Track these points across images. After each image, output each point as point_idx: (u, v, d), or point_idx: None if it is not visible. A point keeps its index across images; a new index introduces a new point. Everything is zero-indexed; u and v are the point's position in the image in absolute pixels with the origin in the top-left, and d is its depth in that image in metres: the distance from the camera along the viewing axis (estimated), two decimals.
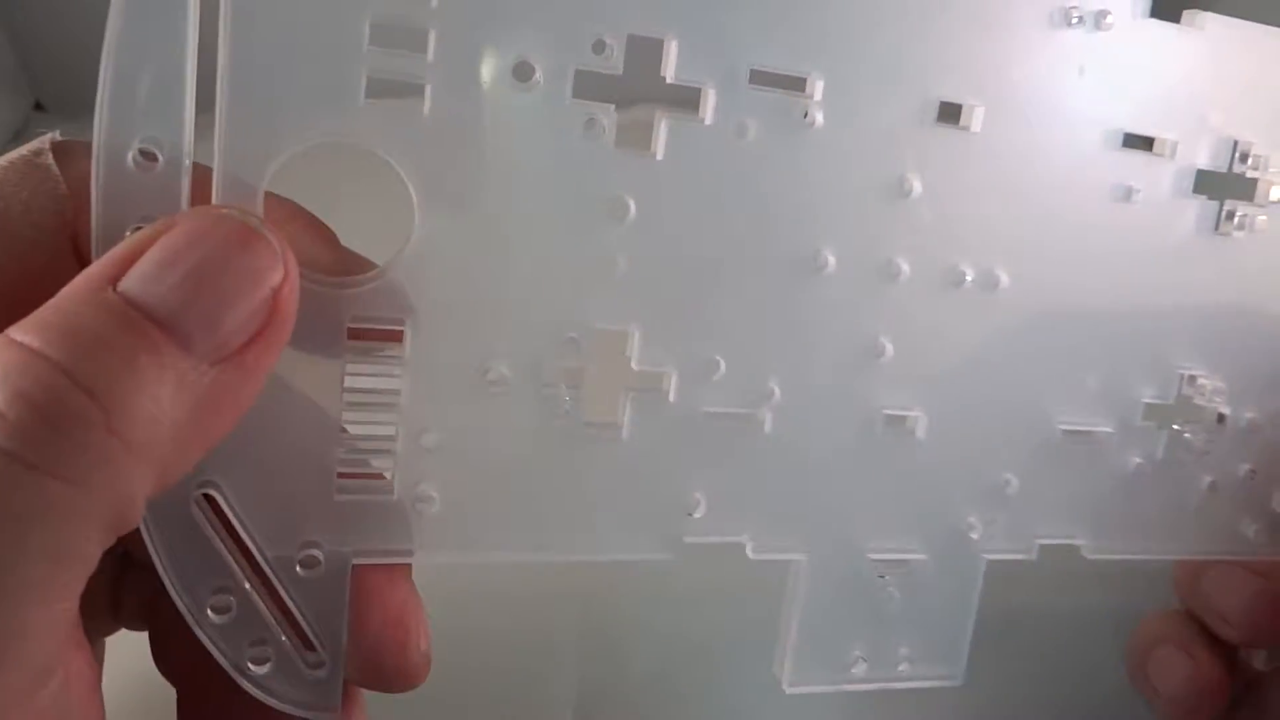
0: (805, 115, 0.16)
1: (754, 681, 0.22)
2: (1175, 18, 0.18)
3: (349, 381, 0.14)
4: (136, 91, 0.13)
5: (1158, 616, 0.22)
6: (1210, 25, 0.18)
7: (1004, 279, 0.17)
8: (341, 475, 0.15)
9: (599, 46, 0.14)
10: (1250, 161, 0.19)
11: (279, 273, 0.12)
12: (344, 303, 0.14)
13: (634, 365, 0.16)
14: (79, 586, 0.11)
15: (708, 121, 0.15)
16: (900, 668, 0.18)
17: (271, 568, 0.14)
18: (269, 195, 0.14)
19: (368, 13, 0.14)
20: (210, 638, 0.14)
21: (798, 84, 0.16)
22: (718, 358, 0.16)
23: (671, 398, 0.16)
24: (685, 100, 0.15)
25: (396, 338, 0.14)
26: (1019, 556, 0.19)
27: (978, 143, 0.17)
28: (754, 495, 0.17)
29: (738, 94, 0.15)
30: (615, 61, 0.15)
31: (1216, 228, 0.19)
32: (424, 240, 0.14)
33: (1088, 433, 0.19)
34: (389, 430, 0.15)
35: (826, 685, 0.18)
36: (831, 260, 0.16)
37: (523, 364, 0.15)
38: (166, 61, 0.13)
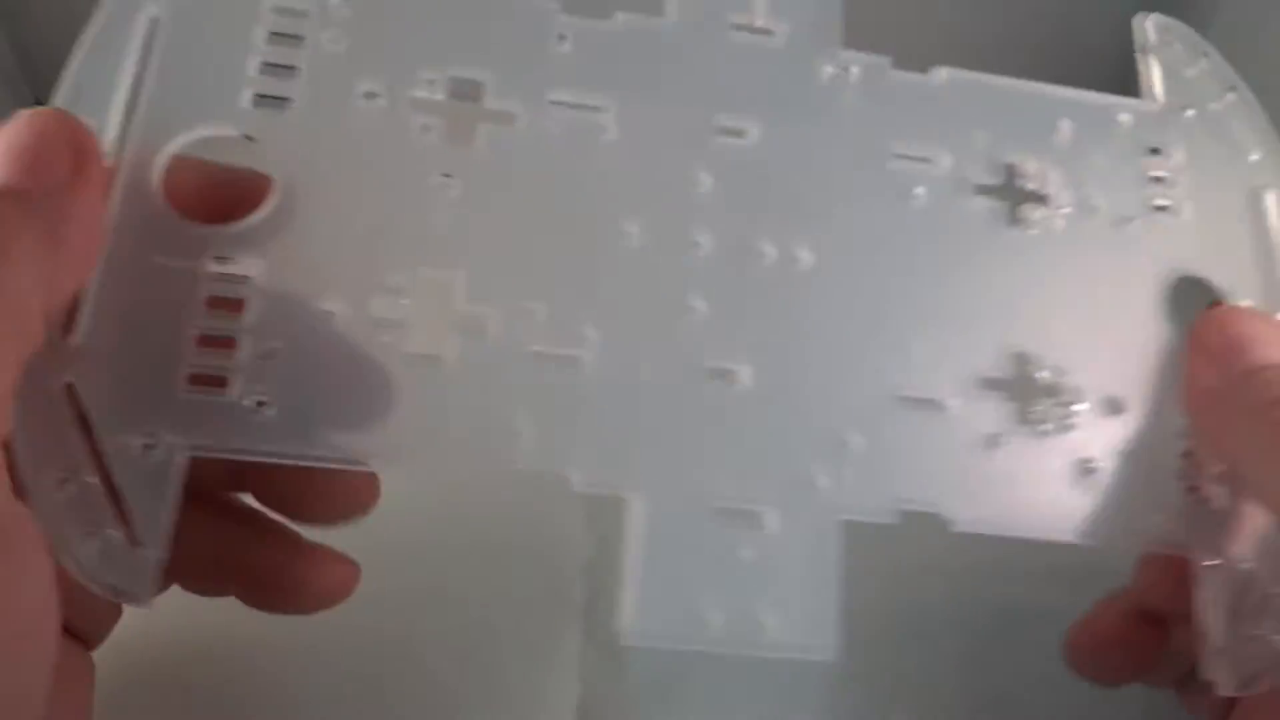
0: (603, 131, 0.20)
1: (754, 682, 0.21)
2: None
3: (204, 292, 0.17)
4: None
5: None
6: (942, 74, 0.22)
7: (806, 257, 0.20)
8: (190, 378, 0.17)
9: (427, 84, 0.20)
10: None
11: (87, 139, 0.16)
12: (206, 238, 0.18)
13: (457, 306, 0.18)
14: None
15: (519, 127, 0.20)
16: (762, 633, 0.18)
17: (108, 454, 0.16)
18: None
19: (256, 56, 0.19)
20: (45, 514, 0.16)
21: (594, 109, 0.20)
22: (536, 304, 0.19)
23: (492, 336, 0.18)
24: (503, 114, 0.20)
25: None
26: (877, 519, 0.19)
27: (757, 153, 0.20)
28: (580, 431, 0.18)
29: (543, 111, 0.20)
30: (438, 90, 0.19)
31: (1010, 224, 0.21)
32: (282, 203, 0.18)
33: (927, 400, 0.19)
34: (233, 338, 0.17)
35: (673, 642, 0.17)
36: (634, 231, 0.19)
37: (354, 298, 0.18)
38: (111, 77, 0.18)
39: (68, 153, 0.16)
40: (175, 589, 0.19)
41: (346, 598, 0.19)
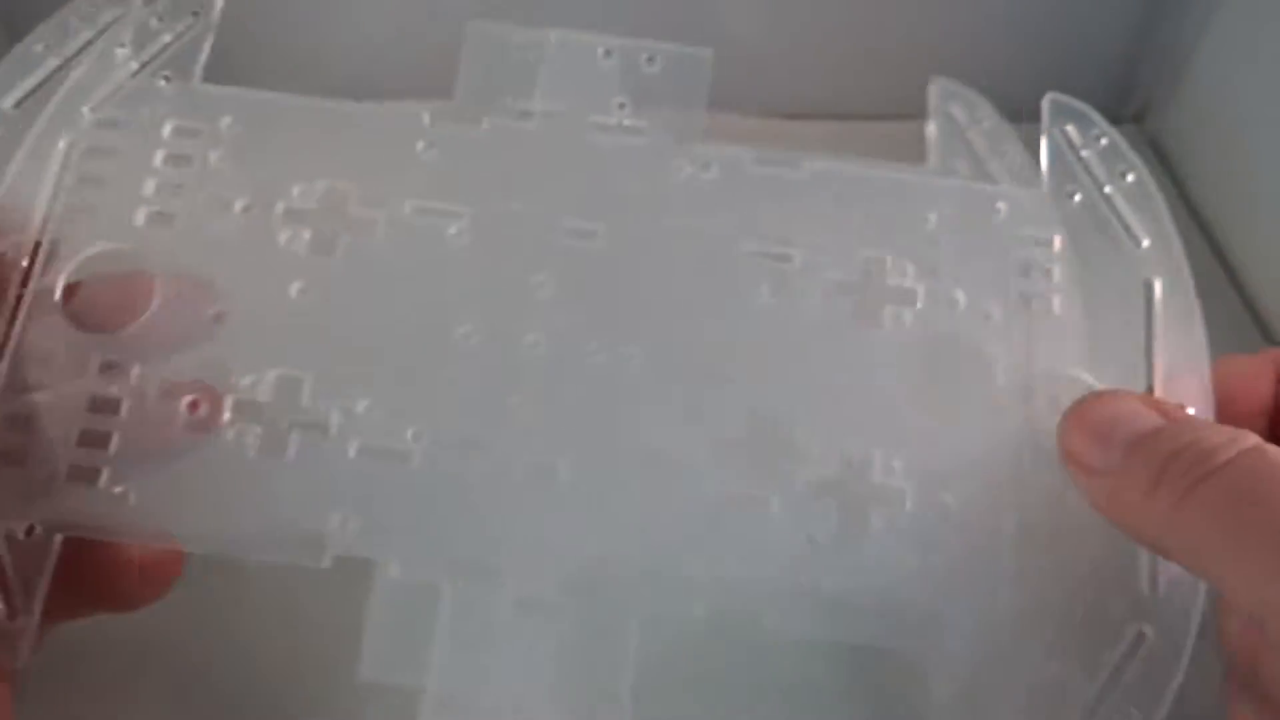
0: (455, 235, 0.21)
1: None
2: None
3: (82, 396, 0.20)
4: None
5: None
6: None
7: (636, 355, 0.21)
8: (68, 472, 0.20)
9: (300, 196, 0.22)
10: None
11: None
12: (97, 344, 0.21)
13: (303, 404, 0.20)
14: None
15: (378, 235, 0.21)
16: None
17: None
18: None
19: (154, 178, 0.22)
20: None
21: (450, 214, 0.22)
22: (367, 402, 0.20)
23: (330, 433, 0.20)
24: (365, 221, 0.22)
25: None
26: (682, 614, 0.19)
27: (603, 253, 0.21)
28: (402, 522, 0.20)
29: (401, 218, 0.22)
30: (310, 201, 0.22)
31: (858, 321, 0.21)
32: (159, 310, 0.21)
33: (750, 499, 0.20)
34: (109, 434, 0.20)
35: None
36: (467, 331, 0.21)
37: (214, 397, 0.20)
38: None
39: None
40: None
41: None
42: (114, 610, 0.20)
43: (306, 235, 0.21)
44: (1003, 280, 0.21)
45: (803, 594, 0.20)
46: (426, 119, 0.22)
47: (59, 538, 0.19)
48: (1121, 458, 0.18)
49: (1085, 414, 0.19)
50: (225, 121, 0.22)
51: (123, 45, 0.22)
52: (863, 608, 0.20)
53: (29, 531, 0.19)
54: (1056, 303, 0.21)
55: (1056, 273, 0.21)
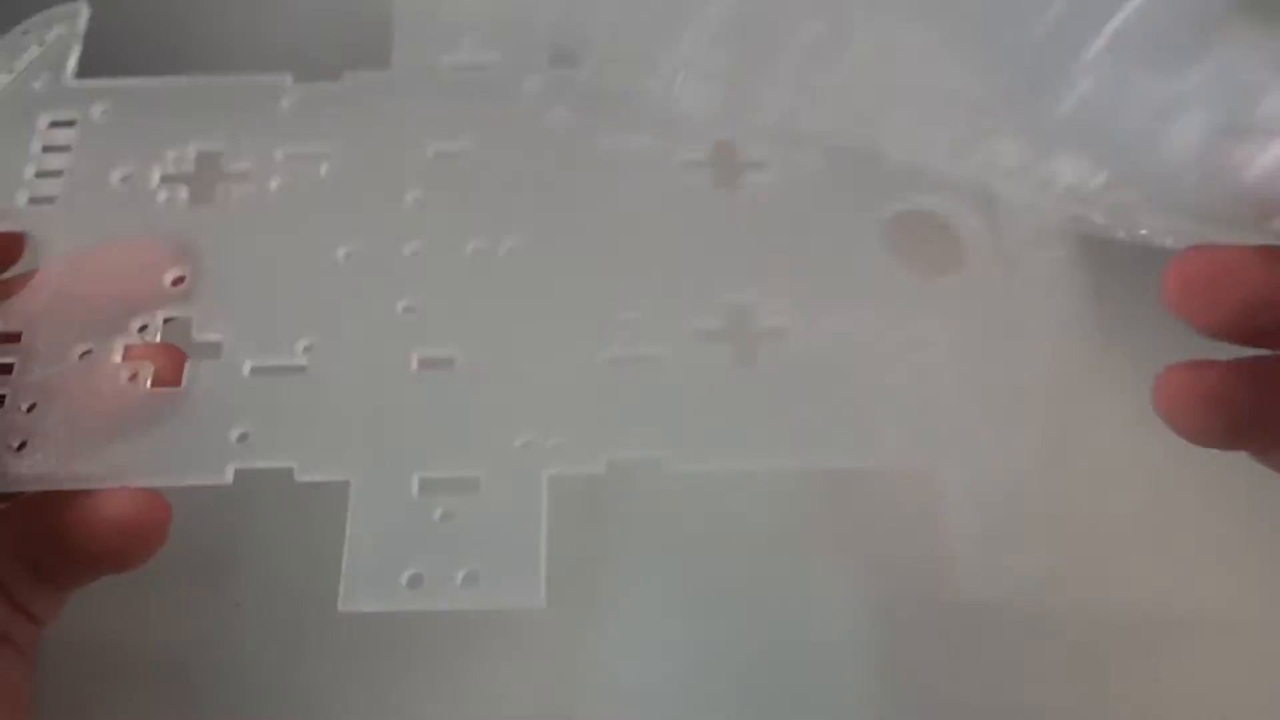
0: (322, 172, 0.23)
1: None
2: None
3: None
4: None
5: None
6: None
7: (509, 245, 0.22)
8: None
9: (175, 162, 0.23)
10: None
11: None
12: None
13: (194, 337, 0.21)
14: None
15: (252, 183, 0.22)
16: (462, 588, 0.19)
17: None
18: None
19: (33, 164, 0.23)
20: None
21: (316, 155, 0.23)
22: (261, 325, 0.21)
23: (223, 359, 0.21)
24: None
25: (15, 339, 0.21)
26: (587, 471, 0.20)
27: (469, 166, 0.23)
28: (298, 428, 0.20)
29: (271, 165, 0.23)
30: (186, 165, 0.23)
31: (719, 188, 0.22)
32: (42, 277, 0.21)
33: (640, 358, 0.21)
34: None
35: (379, 605, 0.19)
36: (342, 253, 0.22)
37: (105, 344, 0.21)
38: None
39: None
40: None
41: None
42: (115, 570, 0.20)
43: (184, 193, 0.22)
44: None
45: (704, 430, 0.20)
46: (289, 80, 0.23)
47: None
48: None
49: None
50: (98, 109, 0.23)
51: None
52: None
53: None
54: None
55: None
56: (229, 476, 0.20)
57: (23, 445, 0.20)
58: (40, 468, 0.20)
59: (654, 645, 0.26)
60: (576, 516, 0.20)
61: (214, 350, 0.21)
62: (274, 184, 0.22)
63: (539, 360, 0.21)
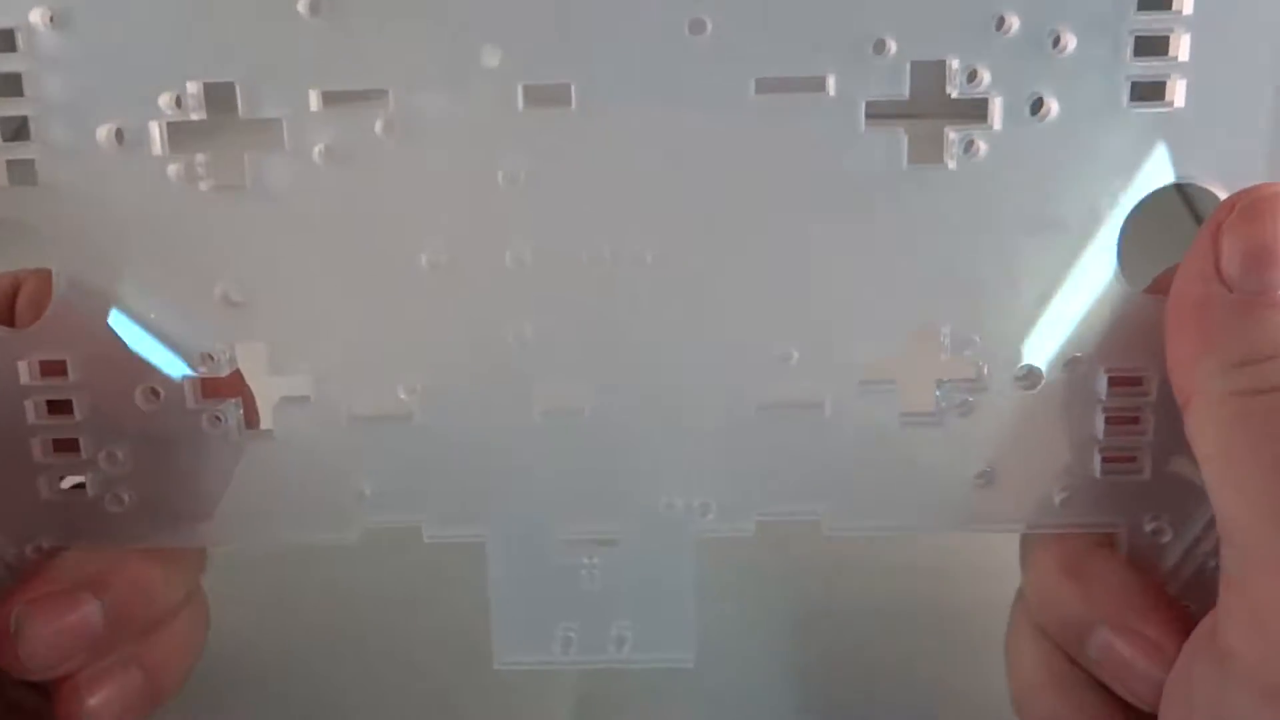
0: (379, 128, 0.16)
1: (752, 684, 0.22)
2: None
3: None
4: None
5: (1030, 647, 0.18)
6: None
7: (648, 257, 0.17)
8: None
9: (179, 101, 0.17)
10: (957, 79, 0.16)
11: None
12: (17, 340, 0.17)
13: (269, 378, 0.18)
14: None
15: (286, 148, 0.17)
16: (615, 648, 0.19)
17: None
18: None
19: None
20: None
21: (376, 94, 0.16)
22: (349, 363, 0.17)
23: (313, 403, 0.18)
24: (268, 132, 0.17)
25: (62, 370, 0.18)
26: (735, 533, 0.18)
27: (577, 121, 0.16)
28: (422, 482, 0.18)
29: (306, 120, 0.16)
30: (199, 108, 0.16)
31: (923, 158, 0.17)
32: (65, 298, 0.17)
33: (795, 405, 0.17)
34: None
35: (535, 661, 0.19)
36: (442, 260, 0.17)
37: (170, 386, 0.18)
38: None
39: None
40: None
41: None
42: None
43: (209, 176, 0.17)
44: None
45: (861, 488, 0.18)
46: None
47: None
48: None
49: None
50: (37, 13, 0.16)
51: None
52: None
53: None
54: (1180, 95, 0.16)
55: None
56: (354, 536, 0.18)
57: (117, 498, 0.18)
58: (141, 525, 0.18)
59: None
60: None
61: (298, 394, 0.18)
62: (311, 158, 0.17)
63: (679, 407, 0.18)
